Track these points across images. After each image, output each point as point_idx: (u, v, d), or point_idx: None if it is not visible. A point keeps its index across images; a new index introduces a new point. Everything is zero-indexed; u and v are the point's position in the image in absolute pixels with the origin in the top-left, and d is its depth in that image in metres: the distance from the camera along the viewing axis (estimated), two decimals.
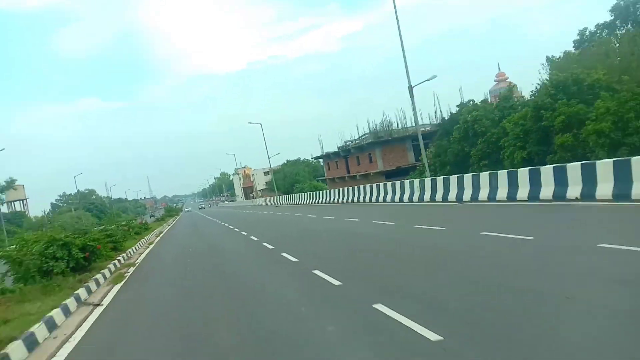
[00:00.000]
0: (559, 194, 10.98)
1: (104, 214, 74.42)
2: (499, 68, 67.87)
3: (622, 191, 9.43)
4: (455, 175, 16.15)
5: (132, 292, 8.79)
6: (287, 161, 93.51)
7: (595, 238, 6.42)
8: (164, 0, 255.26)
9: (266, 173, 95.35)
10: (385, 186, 21.48)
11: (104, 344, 5.73)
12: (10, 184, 58.12)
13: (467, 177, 15.18)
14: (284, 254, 9.67)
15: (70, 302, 7.55)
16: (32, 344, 5.62)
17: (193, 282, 8.77)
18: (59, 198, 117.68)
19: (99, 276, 9.89)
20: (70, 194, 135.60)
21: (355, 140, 43.66)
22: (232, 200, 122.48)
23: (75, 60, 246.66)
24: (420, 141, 20.34)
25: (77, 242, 10.40)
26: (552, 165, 12.17)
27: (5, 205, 65.98)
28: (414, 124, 27.46)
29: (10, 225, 66.13)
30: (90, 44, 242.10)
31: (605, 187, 9.86)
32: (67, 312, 7.19)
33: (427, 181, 17.84)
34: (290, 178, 71.97)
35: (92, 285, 9.17)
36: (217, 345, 4.80)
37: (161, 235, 24.75)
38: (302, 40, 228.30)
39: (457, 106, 25.92)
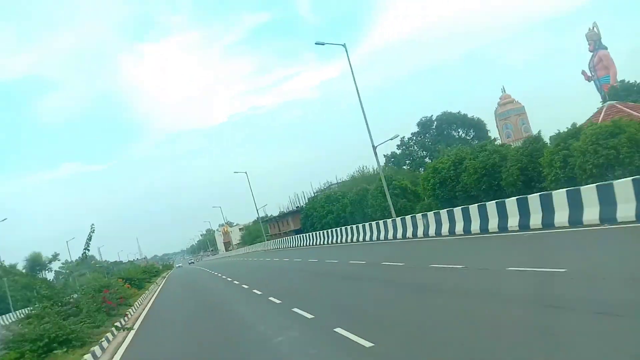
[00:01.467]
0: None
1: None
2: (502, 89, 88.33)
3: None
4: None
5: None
6: (258, 217, 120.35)
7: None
8: (142, 59, 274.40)
9: (241, 229, 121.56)
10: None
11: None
12: (56, 257, 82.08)
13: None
14: (295, 310, 9.19)
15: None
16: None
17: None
18: (62, 265, 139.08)
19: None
20: (72, 261, 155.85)
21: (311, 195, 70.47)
22: (215, 254, 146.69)
23: (56, 126, 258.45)
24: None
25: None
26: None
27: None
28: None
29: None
30: (71, 109, 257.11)
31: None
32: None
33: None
34: (254, 234, 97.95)
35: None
36: None
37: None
38: (280, 90, 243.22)
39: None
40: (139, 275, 30.90)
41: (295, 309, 9.28)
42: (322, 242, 36.08)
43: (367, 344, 5.89)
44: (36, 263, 79.00)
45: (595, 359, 4.17)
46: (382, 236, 24.41)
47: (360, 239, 27.72)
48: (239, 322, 10.21)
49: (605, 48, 60.44)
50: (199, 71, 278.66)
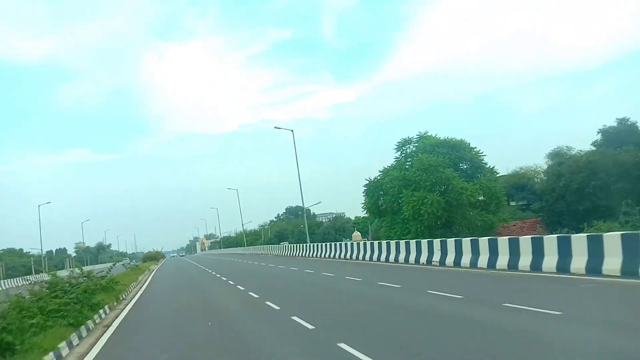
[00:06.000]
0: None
1: None
2: None
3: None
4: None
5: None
6: (243, 230, 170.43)
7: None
8: (163, 59, 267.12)
9: (212, 242, 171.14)
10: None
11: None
12: (109, 245, 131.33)
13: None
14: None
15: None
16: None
17: None
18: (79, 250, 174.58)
19: None
20: (88, 247, 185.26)
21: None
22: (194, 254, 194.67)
23: (68, 112, 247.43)
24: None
25: None
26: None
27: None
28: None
29: None
30: (86, 98, 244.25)
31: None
32: None
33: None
34: (213, 246, 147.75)
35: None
36: None
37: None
38: (293, 107, 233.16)
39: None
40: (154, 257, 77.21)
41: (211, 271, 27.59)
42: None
43: None
44: (101, 246, 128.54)
45: None
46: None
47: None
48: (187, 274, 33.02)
49: None
50: (216, 77, 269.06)
